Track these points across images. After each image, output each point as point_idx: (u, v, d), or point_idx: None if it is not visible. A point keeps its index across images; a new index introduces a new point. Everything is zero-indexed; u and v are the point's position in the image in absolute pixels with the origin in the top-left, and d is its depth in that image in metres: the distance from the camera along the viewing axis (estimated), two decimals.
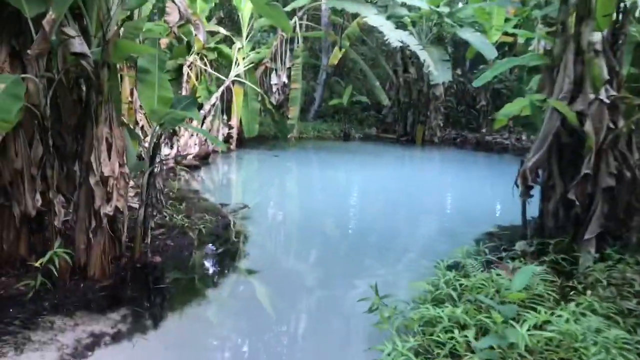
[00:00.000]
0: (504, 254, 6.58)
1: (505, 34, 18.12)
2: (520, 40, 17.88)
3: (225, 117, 15.39)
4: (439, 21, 17.51)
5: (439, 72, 15.30)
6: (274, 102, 16.11)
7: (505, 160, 17.47)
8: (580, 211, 6.40)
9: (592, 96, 6.36)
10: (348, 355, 4.91)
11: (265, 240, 8.19)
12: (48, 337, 4.70)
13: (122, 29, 5.56)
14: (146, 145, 6.24)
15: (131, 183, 6.96)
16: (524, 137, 19.07)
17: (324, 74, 20.29)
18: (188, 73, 14.24)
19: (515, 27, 17.76)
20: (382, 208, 10.56)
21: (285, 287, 6.34)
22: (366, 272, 6.99)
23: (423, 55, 14.74)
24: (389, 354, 3.99)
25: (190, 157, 13.01)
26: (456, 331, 4.11)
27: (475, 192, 12.40)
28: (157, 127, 6.06)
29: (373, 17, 14.28)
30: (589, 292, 5.34)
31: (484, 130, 19.75)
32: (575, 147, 6.64)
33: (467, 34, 16.79)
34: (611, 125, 6.30)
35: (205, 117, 14.52)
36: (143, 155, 6.20)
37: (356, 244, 8.12)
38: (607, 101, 6.30)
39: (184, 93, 13.87)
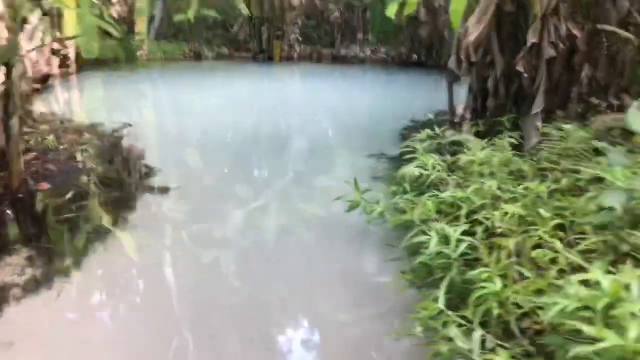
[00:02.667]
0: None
1: None
2: None
3: (58, 33, 12.67)
4: None
5: None
6: (116, 16, 13.70)
7: (368, 70, 17.28)
8: (527, 84, 6.07)
9: None
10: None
11: (167, 155, 6.72)
12: None
13: None
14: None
15: None
16: (382, 50, 19.01)
17: None
18: None
19: None
20: (278, 117, 9.50)
21: (221, 199, 5.14)
22: (302, 174, 6.05)
23: None
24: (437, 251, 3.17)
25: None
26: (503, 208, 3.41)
27: (361, 98, 11.89)
28: None
29: None
30: None
31: (339, 45, 19.30)
32: (516, 17, 6.23)
33: None
34: None
35: (32, 31, 11.75)
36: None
37: (267, 150, 7.05)
38: None
39: None
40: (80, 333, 2.97)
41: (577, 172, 4.09)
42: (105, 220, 4.42)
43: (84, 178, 5.27)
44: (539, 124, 6.11)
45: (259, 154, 6.99)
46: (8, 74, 4.42)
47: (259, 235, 4.42)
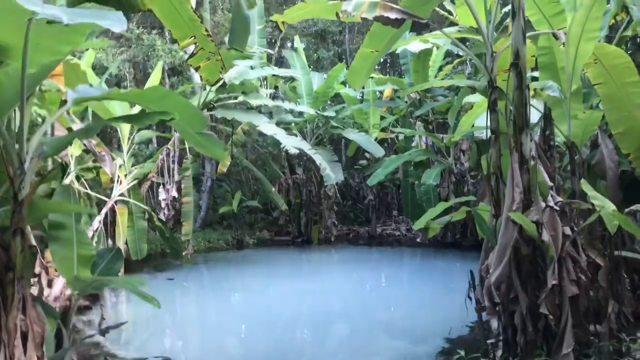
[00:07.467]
0: None
1: (383, 130, 19.00)
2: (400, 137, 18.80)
3: (110, 241, 13.70)
4: (322, 123, 17.86)
5: (333, 173, 15.23)
6: (164, 219, 14.79)
7: (404, 253, 17.59)
8: (553, 323, 6.14)
9: (542, 204, 6.32)
10: None
11: None
12: None
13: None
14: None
15: None
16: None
17: (209, 182, 19.38)
18: None
19: (393, 125, 18.70)
20: (314, 327, 9.66)
21: None
22: None
23: (318, 158, 14.65)
24: None
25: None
26: None
27: (397, 297, 12.01)
28: (76, 296, 4.79)
29: (265, 125, 13.97)
30: None
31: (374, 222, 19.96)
32: (533, 257, 6.49)
33: (352, 134, 17.23)
34: (566, 232, 6.27)
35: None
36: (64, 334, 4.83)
37: None
38: (557, 208, 6.30)
39: None
40: None
41: None
42: None
43: None
44: None
45: None
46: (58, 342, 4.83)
47: None
